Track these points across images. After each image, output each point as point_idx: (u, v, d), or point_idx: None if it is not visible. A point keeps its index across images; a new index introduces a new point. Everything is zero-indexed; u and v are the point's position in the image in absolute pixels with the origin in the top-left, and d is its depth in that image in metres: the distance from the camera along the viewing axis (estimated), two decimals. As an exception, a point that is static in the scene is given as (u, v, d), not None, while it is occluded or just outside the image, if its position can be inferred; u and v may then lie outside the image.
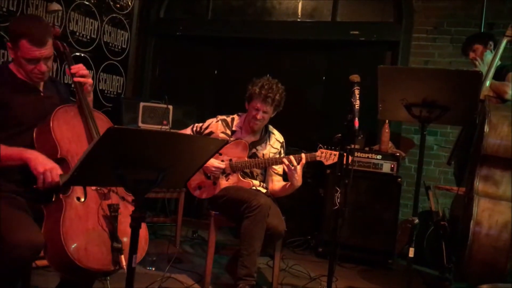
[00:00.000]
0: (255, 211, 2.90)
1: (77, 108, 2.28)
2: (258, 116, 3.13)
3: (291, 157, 3.03)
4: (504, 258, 2.95)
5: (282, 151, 3.34)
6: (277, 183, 3.29)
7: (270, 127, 3.36)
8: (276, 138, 3.35)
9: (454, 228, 3.39)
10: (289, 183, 3.12)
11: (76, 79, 2.30)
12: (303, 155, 3.01)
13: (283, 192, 3.24)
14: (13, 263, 1.88)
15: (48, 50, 2.17)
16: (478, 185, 3.13)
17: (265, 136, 3.30)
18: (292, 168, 3.00)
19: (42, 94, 2.30)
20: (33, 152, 2.07)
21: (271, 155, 3.28)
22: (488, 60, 3.63)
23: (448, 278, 3.45)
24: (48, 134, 2.12)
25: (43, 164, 2.02)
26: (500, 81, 3.59)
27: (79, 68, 2.31)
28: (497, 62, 3.52)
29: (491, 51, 3.68)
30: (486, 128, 3.09)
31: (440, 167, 4.50)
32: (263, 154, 3.26)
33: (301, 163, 3.01)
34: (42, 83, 2.30)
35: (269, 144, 3.31)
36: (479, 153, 3.15)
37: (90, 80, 2.34)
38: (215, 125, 3.29)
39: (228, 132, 3.28)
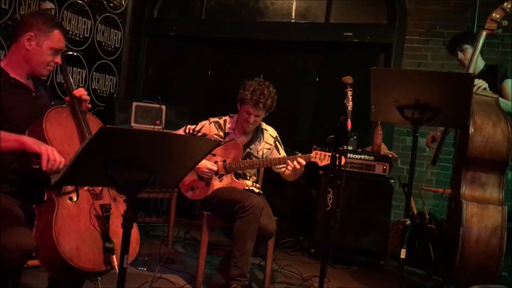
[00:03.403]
0: (248, 212, 2.90)
1: (70, 109, 2.28)
2: (251, 120, 3.14)
3: (289, 161, 3.04)
4: (495, 263, 2.95)
5: (278, 145, 3.35)
6: (284, 172, 3.27)
7: (263, 125, 3.37)
8: (270, 134, 3.37)
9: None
10: (293, 173, 3.15)
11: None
12: (299, 159, 3.02)
13: (293, 177, 3.24)
14: (3, 266, 1.86)
15: None
16: (465, 189, 3.11)
17: (258, 134, 3.31)
18: (291, 168, 3.04)
19: (33, 94, 2.29)
20: (29, 137, 2.06)
21: (265, 151, 3.30)
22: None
23: (437, 280, 3.46)
24: (40, 134, 2.11)
25: (42, 145, 2.01)
26: (495, 86, 3.46)
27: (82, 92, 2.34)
28: (478, 57, 3.39)
29: None
30: (471, 130, 3.06)
31: (432, 169, 4.52)
32: (257, 152, 3.27)
33: (301, 165, 3.02)
34: (32, 83, 2.30)
35: (263, 141, 3.32)
36: (464, 155, 3.12)
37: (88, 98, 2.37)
38: (208, 127, 3.29)
39: (221, 134, 3.28)
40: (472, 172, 3.13)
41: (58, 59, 2.28)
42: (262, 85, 3.12)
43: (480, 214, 3.02)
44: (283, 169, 3.24)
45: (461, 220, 3.01)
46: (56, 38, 2.23)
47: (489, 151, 3.07)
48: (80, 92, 2.30)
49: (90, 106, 2.36)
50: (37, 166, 1.98)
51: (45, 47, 2.21)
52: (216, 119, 3.33)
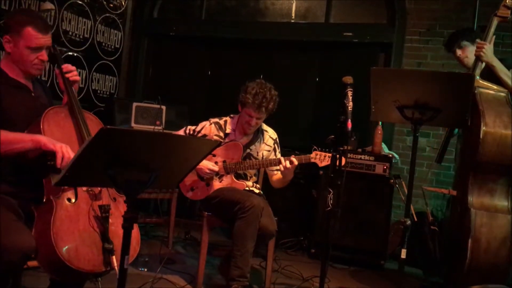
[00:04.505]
0: (248, 212, 2.90)
1: (68, 109, 2.27)
2: (252, 123, 3.14)
3: (282, 159, 3.06)
4: (503, 273, 2.88)
5: (276, 147, 3.36)
6: (275, 176, 3.30)
7: (264, 126, 3.37)
8: (270, 135, 3.37)
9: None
10: (282, 177, 3.19)
11: (67, 75, 2.30)
12: (293, 158, 3.03)
13: (280, 184, 3.27)
14: (3, 267, 1.86)
15: (50, 38, 2.21)
16: (472, 195, 2.99)
17: (258, 135, 3.31)
18: (283, 169, 3.05)
19: (32, 94, 2.29)
20: (43, 136, 2.07)
21: (265, 152, 3.30)
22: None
23: (436, 280, 3.44)
24: (38, 134, 2.11)
25: (57, 143, 2.03)
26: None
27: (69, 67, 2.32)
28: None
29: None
30: (482, 130, 2.91)
31: (433, 169, 4.52)
32: (257, 153, 3.27)
33: (293, 165, 3.03)
34: (31, 83, 2.29)
35: (263, 143, 3.32)
36: (473, 158, 2.98)
37: (78, 78, 2.36)
38: (208, 128, 3.29)
39: (221, 134, 3.28)
40: (480, 177, 2.99)
41: (43, 56, 2.20)
42: (264, 88, 3.11)
43: (489, 224, 2.91)
44: (275, 172, 3.26)
45: (469, 228, 2.91)
46: (29, 36, 2.13)
47: (500, 155, 2.91)
48: (71, 73, 2.28)
49: (78, 78, 2.34)
50: (52, 163, 2.01)
51: (21, 47, 2.15)
52: (216, 119, 3.33)
